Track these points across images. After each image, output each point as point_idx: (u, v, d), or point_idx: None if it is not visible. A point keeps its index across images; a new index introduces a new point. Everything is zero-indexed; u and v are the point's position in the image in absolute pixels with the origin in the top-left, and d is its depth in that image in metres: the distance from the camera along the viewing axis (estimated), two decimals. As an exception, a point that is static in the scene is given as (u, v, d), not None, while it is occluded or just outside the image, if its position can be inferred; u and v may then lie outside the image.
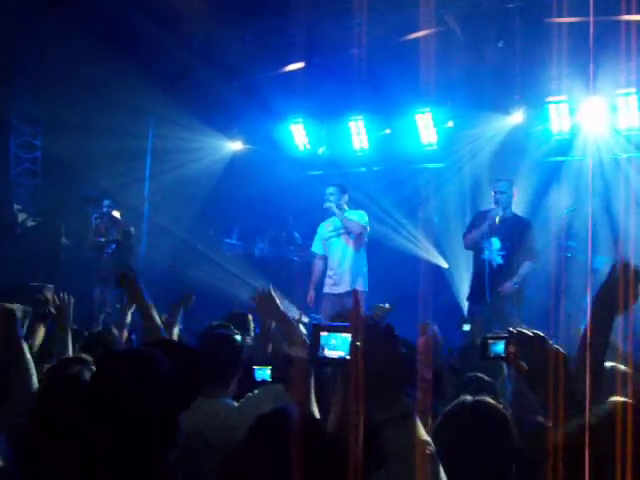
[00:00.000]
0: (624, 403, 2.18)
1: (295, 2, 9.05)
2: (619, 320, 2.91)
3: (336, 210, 9.22)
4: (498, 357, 2.77)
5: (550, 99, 10.13)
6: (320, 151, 12.19)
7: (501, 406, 2.78)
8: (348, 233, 9.24)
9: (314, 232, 9.87)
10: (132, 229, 10.90)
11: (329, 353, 2.20)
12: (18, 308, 3.87)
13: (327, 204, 9.28)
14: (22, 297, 5.53)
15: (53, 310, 5.13)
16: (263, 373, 3.82)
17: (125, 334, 5.58)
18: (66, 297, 5.07)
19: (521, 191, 9.28)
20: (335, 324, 2.29)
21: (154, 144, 12.18)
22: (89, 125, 10.43)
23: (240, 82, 11.53)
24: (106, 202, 10.84)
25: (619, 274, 2.87)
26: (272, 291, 4.24)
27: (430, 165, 11.86)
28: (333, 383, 3.89)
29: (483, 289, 8.36)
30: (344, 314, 4.45)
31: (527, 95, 10.43)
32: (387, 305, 6.47)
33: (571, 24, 8.56)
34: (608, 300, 2.81)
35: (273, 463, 2.99)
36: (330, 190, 9.40)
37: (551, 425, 2.29)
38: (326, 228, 9.55)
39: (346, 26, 10.15)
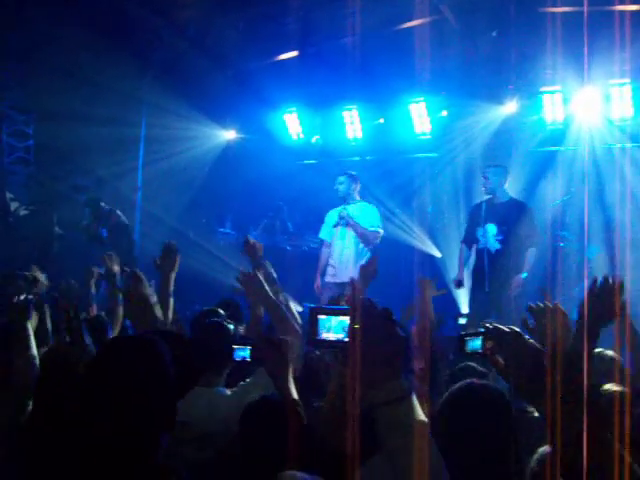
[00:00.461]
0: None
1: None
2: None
3: (349, 218, 9.10)
4: (475, 353, 2.79)
5: (544, 89, 10.14)
6: (314, 140, 12.19)
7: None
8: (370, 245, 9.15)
9: (308, 221, 9.86)
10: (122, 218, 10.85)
11: (327, 335, 2.19)
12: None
13: (340, 214, 9.19)
14: (15, 286, 5.52)
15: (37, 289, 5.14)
16: (243, 352, 3.81)
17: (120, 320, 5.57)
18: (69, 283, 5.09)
19: (514, 181, 9.29)
20: (333, 307, 2.29)
21: (147, 132, 12.14)
22: (82, 113, 10.38)
23: (234, 71, 11.51)
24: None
25: (599, 291, 2.92)
26: (257, 273, 4.25)
27: (424, 154, 11.84)
28: (327, 372, 3.91)
29: (483, 277, 8.39)
30: (341, 299, 4.45)
31: (521, 85, 10.43)
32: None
33: (565, 14, 8.56)
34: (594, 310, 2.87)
35: (262, 449, 3.01)
36: (340, 179, 9.32)
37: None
38: (335, 216, 9.42)
39: (340, 15, 10.12)
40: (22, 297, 3.93)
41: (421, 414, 1.85)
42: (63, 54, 10.42)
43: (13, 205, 11.07)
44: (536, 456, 2.48)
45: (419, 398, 1.90)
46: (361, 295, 2.03)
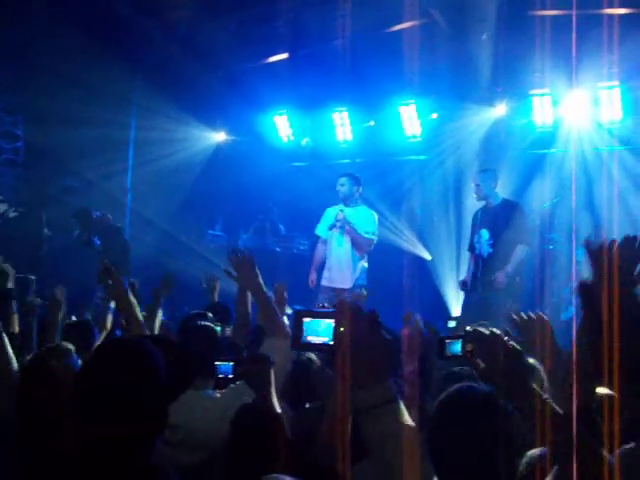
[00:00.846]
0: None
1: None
2: None
3: (345, 223, 9.01)
4: (455, 356, 2.81)
5: (533, 92, 10.18)
6: (304, 142, 12.18)
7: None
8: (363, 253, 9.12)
9: (298, 223, 9.84)
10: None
11: (312, 339, 2.19)
12: None
13: (339, 216, 9.06)
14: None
15: (11, 285, 5.14)
16: (226, 369, 3.81)
17: (107, 327, 5.57)
18: (59, 290, 5.09)
19: (504, 183, 9.32)
20: (318, 310, 2.29)
21: (137, 134, 12.11)
22: (71, 115, 10.34)
23: (224, 72, 11.49)
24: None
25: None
26: (253, 260, 4.24)
27: (414, 157, 11.85)
28: (318, 373, 3.91)
29: (475, 281, 8.47)
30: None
31: (510, 88, 10.47)
32: (364, 291, 6.48)
33: (554, 17, 8.58)
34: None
35: (251, 452, 3.01)
36: (342, 180, 9.24)
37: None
38: (334, 215, 9.29)
39: (330, 17, 10.12)
40: None
41: (408, 419, 1.84)
42: (53, 55, 10.38)
43: (2, 207, 11.01)
44: (525, 459, 2.48)
45: (409, 402, 1.90)
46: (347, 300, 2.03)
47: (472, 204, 9.37)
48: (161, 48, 11.23)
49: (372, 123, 11.61)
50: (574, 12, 7.29)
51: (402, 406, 1.85)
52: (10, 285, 5.42)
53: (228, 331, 5.27)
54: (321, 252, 9.48)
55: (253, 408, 3.27)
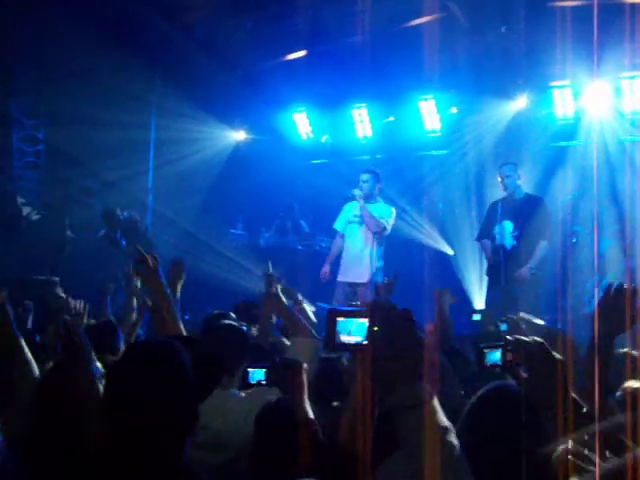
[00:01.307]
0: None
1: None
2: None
3: (359, 200, 9.07)
4: (495, 365, 2.76)
5: (554, 84, 10.09)
6: (323, 139, 12.17)
7: None
8: (372, 232, 9.13)
9: (318, 221, 9.83)
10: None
11: (346, 339, 2.16)
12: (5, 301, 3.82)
13: (355, 191, 9.12)
14: (27, 291, 5.54)
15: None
16: (258, 375, 3.80)
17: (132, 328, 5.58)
18: (80, 304, 5.08)
19: (526, 177, 9.25)
20: (351, 309, 2.26)
21: (157, 135, 12.15)
22: (91, 117, 10.39)
23: (242, 71, 11.49)
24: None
25: (613, 297, 2.87)
26: (279, 290, 4.24)
27: (434, 152, 11.80)
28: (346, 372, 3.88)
29: (499, 273, 8.40)
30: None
31: (531, 80, 10.38)
32: (387, 279, 6.45)
33: (574, 8, 8.51)
34: (606, 319, 2.82)
35: (276, 452, 3.00)
36: (364, 177, 9.26)
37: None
38: (352, 210, 9.36)
39: (348, 13, 10.10)
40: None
41: (443, 419, 1.82)
42: (72, 58, 10.44)
43: (25, 210, 11.08)
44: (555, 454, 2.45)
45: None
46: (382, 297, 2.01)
47: (493, 198, 9.31)
48: (179, 48, 11.24)
49: (392, 119, 11.58)
50: (595, 2, 7.23)
51: (437, 405, 1.82)
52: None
53: (254, 330, 5.25)
54: (339, 245, 9.54)
55: (277, 407, 3.26)
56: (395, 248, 9.85)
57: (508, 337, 2.45)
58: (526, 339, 2.37)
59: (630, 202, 8.87)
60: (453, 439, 1.82)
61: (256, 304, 6.11)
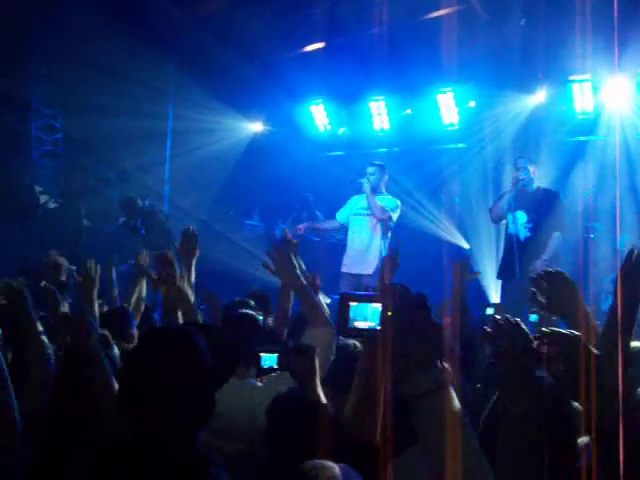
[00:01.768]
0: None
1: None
2: None
3: (366, 188, 9.11)
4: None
5: (573, 78, 10.01)
6: (340, 132, 12.15)
7: None
8: (377, 219, 9.14)
9: (334, 213, 9.82)
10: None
11: (359, 324, 2.14)
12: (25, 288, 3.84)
13: (361, 180, 9.17)
14: (44, 279, 5.55)
15: (64, 278, 5.14)
16: (270, 360, 3.79)
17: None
18: (93, 267, 5.06)
19: (544, 171, 9.21)
20: (364, 293, 2.24)
21: (174, 125, 12.16)
22: (109, 106, 10.43)
23: (260, 62, 11.49)
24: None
25: (635, 262, 2.83)
26: (292, 255, 4.20)
27: (452, 145, 11.75)
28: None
29: (512, 265, 8.34)
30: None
31: (550, 74, 10.30)
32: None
33: (595, 1, 8.44)
34: (629, 285, 2.78)
35: (288, 440, 2.99)
36: (371, 170, 9.30)
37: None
38: (358, 203, 9.42)
39: (367, 5, 10.07)
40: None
41: (458, 405, 1.80)
42: (89, 47, 10.46)
43: (42, 198, 11.14)
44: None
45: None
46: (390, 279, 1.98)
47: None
48: (197, 38, 11.25)
49: (409, 111, 11.53)
50: (616, -5, 7.16)
51: (453, 392, 1.80)
52: (63, 278, 5.45)
53: (270, 320, 5.24)
54: (331, 223, 9.95)
55: (288, 397, 3.25)
56: (411, 241, 9.82)
57: (543, 329, 2.40)
58: (564, 331, 2.33)
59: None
60: (470, 426, 1.80)
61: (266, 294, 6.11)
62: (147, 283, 5.83)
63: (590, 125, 10.36)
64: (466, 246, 11.30)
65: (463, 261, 5.56)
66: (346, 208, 9.61)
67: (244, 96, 12.17)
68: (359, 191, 9.30)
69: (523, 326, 2.28)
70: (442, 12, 9.64)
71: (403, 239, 9.33)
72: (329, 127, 12.01)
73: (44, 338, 3.74)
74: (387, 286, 1.88)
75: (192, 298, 4.29)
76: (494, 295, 9.90)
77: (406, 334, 1.80)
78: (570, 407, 2.43)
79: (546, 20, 9.48)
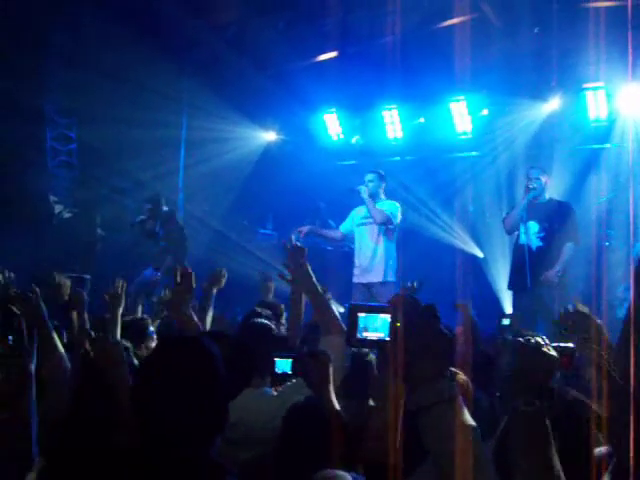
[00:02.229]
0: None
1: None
2: None
3: (364, 194, 9.12)
4: None
5: (587, 85, 9.99)
6: (353, 140, 12.16)
7: None
8: (378, 223, 9.16)
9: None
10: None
11: (368, 334, 2.14)
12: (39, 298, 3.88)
13: (360, 187, 9.18)
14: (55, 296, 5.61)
15: (66, 297, 5.18)
16: (284, 365, 3.79)
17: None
18: (121, 285, 5.11)
19: (558, 179, 9.18)
20: (374, 304, 2.24)
21: (188, 134, 12.21)
22: (123, 116, 10.48)
23: (273, 72, 11.51)
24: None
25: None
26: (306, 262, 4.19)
27: (465, 154, 11.75)
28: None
29: (524, 276, 8.27)
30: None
31: (564, 82, 10.29)
32: (414, 284, 6.43)
33: (608, 8, 8.44)
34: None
35: (303, 449, 2.99)
36: (369, 177, 9.30)
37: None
38: (358, 213, 9.44)
39: (379, 14, 10.09)
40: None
41: (468, 417, 1.79)
42: (104, 57, 10.52)
43: (57, 208, 11.20)
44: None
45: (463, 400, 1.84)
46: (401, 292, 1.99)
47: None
48: (211, 48, 11.31)
49: (422, 120, 11.52)
50: (629, 3, 7.15)
51: (462, 404, 1.79)
52: (66, 298, 5.49)
53: (283, 329, 5.25)
54: (332, 232, 10.03)
55: (304, 406, 3.25)
56: (425, 250, 9.81)
57: (567, 308, 2.38)
58: (583, 309, 2.32)
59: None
60: (480, 439, 1.79)
61: (278, 304, 6.13)
62: None
63: (604, 133, 10.34)
64: (480, 255, 11.27)
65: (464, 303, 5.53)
66: (349, 220, 9.63)
67: (257, 105, 12.21)
68: (361, 201, 9.32)
69: (545, 350, 2.26)
70: (455, 21, 9.65)
71: (417, 247, 9.34)
72: (342, 136, 12.03)
73: (60, 347, 3.77)
74: (396, 297, 1.88)
75: (200, 328, 4.30)
76: (508, 304, 9.87)
77: (415, 344, 1.80)
78: (583, 406, 2.43)
79: (559, 28, 9.48)
